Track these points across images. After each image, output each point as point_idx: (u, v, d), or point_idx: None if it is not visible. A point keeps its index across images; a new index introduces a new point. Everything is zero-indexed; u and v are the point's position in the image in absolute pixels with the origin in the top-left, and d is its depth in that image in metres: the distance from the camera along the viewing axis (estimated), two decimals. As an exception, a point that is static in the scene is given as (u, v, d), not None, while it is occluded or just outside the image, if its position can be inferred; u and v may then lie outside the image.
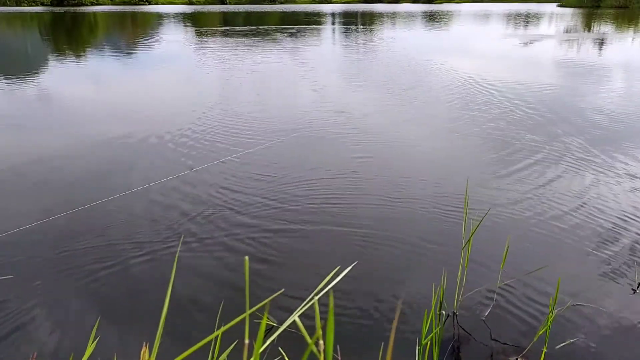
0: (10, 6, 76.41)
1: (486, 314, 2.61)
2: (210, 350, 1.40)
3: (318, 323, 0.53)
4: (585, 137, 5.77)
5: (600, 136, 5.85)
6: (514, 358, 2.30)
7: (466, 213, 2.47)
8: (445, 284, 2.61)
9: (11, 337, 2.48)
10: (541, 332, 2.32)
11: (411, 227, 3.66)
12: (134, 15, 49.19)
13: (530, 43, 17.78)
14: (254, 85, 9.58)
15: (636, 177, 4.51)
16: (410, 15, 42.42)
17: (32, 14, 52.26)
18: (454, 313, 2.60)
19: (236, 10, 60.81)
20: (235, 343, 1.40)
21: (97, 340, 1.68)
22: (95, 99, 8.72)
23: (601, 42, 17.59)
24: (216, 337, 1.25)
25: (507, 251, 2.53)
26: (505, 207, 3.90)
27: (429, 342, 2.03)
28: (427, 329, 1.93)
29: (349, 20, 35.63)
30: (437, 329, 1.97)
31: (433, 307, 2.03)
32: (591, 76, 10.37)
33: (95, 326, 1.64)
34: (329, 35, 23.50)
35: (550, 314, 2.21)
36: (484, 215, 2.78)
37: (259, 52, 15.46)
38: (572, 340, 2.39)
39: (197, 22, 35.31)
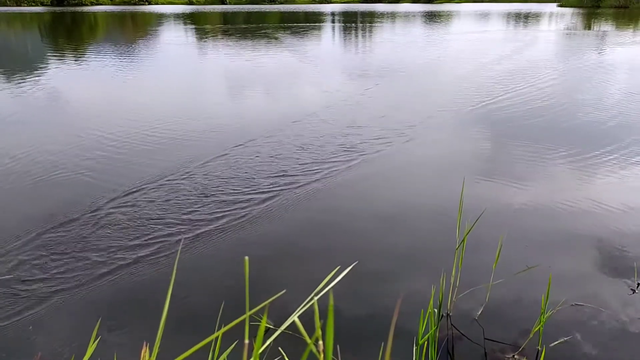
0: (10, 6, 76.36)
1: (480, 313, 2.62)
2: (211, 351, 1.40)
3: (317, 323, 0.53)
4: None
5: None
6: (510, 356, 2.31)
7: (460, 213, 2.47)
8: (444, 284, 2.62)
9: (14, 337, 2.49)
10: (536, 330, 2.33)
11: (411, 227, 3.67)
12: (134, 15, 49.17)
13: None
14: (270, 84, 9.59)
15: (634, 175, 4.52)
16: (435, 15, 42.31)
17: (32, 14, 52.23)
18: (448, 314, 2.62)
19: (236, 10, 60.79)
20: (235, 343, 1.40)
21: (98, 340, 1.68)
22: (100, 99, 8.71)
23: None
24: (216, 338, 1.25)
25: (499, 250, 2.54)
26: (501, 206, 3.90)
27: (425, 342, 2.03)
28: (423, 329, 1.94)
29: (353, 20, 35.60)
30: (434, 328, 1.98)
31: (431, 307, 2.03)
32: None
33: (97, 326, 1.64)
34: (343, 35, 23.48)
35: (543, 312, 2.23)
36: (479, 215, 2.80)
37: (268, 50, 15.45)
38: (566, 339, 2.40)
39: (197, 22, 35.28)
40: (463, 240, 2.44)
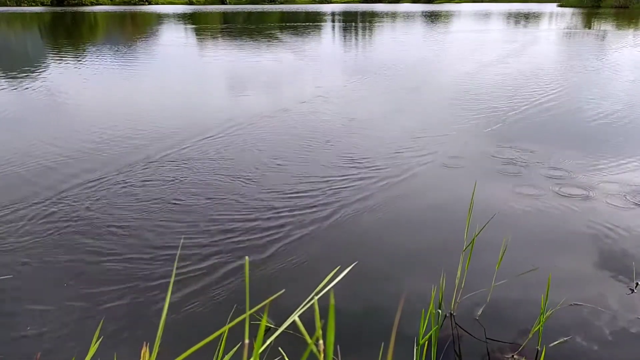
0: (10, 6, 76.35)
1: (480, 313, 2.62)
2: (216, 353, 1.40)
3: (318, 323, 0.53)
4: None
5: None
6: (510, 355, 2.32)
7: (470, 216, 2.47)
8: (445, 285, 2.63)
9: (14, 337, 2.49)
10: (535, 329, 2.33)
11: (412, 227, 3.67)
12: (134, 15, 49.15)
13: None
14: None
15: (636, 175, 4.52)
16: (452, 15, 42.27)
17: (32, 14, 52.22)
18: (451, 314, 2.62)
19: (236, 10, 60.76)
20: (239, 345, 1.40)
21: (100, 340, 1.69)
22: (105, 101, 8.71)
23: None
24: (216, 338, 1.25)
25: (503, 253, 2.54)
26: (506, 208, 3.90)
27: (426, 342, 2.04)
28: (424, 328, 1.94)
29: (354, 20, 35.62)
30: (434, 328, 1.98)
31: (431, 307, 2.03)
32: None
33: (99, 327, 1.64)
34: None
35: (542, 312, 2.23)
36: (489, 219, 2.79)
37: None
38: (565, 339, 2.40)
39: (198, 22, 35.27)
40: (472, 242, 2.43)
